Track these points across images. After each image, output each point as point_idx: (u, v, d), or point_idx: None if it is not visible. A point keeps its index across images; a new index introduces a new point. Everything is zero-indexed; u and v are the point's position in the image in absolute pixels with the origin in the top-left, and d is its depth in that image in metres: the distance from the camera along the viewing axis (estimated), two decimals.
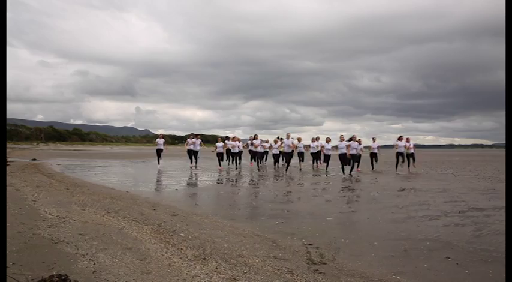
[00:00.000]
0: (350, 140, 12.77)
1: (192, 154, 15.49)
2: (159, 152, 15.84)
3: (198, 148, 15.35)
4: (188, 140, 16.03)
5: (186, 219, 4.75)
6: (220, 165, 15.06)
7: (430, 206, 6.12)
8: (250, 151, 16.18)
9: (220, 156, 15.55)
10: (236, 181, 10.43)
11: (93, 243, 3.28)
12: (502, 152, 36.49)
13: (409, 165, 13.60)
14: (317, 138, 15.84)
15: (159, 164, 15.43)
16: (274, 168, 14.78)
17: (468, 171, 14.52)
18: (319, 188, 8.82)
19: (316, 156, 15.89)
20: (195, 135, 16.18)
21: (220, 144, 15.88)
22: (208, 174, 12.35)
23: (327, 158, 14.16)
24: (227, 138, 17.02)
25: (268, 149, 16.30)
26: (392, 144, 15.96)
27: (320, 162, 15.73)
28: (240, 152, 15.95)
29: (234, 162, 15.38)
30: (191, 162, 15.59)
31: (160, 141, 15.92)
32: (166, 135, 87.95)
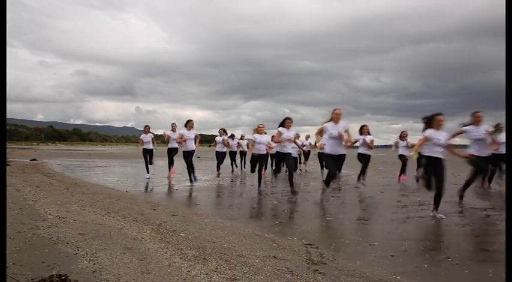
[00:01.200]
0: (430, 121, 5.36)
1: (174, 156, 10.18)
2: (146, 153, 10.74)
3: (192, 147, 8.67)
4: (169, 132, 10.26)
5: (186, 219, 4.76)
6: (218, 169, 11.01)
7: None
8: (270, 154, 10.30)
9: (220, 156, 11.42)
10: (236, 181, 10.42)
11: (93, 243, 3.29)
12: None
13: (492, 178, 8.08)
14: None
15: (147, 172, 10.67)
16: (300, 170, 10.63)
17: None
18: (319, 188, 8.81)
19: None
20: (187, 123, 8.77)
21: (221, 139, 11.51)
22: (208, 174, 12.34)
23: (366, 160, 8.61)
24: (232, 136, 13.05)
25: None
26: (392, 144, 11.27)
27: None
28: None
29: (259, 172, 7.99)
30: (170, 168, 10.37)
31: (147, 137, 10.70)
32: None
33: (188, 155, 8.68)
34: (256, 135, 8.19)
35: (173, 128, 10.20)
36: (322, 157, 6.27)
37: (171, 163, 10.41)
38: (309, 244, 3.75)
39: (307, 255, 3.36)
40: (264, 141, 8.16)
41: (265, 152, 8.28)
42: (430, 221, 5.00)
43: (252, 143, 8.38)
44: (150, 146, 10.77)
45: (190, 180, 8.60)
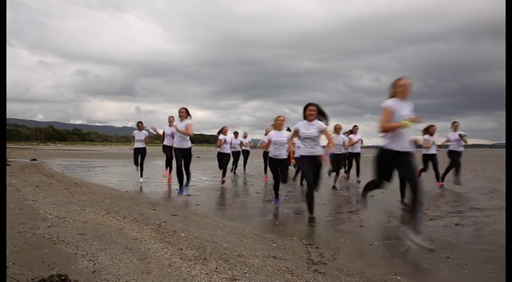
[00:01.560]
0: None
1: (174, 156, 7.12)
2: (138, 153, 9.41)
3: (187, 143, 6.76)
4: (165, 128, 9.04)
5: (186, 219, 4.76)
6: (224, 175, 9.31)
7: (430, 206, 6.12)
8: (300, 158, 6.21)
9: (223, 158, 9.39)
10: (237, 182, 10.42)
11: (93, 243, 3.29)
12: (502, 152, 36.48)
13: None
14: (355, 130, 9.59)
15: (141, 175, 9.35)
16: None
17: (468, 171, 14.52)
18: (319, 188, 8.80)
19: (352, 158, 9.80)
20: (184, 112, 6.79)
21: (228, 137, 9.54)
22: (207, 174, 12.33)
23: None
24: (235, 134, 12.04)
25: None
26: None
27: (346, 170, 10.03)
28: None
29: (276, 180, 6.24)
30: (169, 170, 9.22)
31: (141, 134, 9.40)
32: None
33: (181, 155, 6.67)
34: (273, 132, 6.06)
35: (170, 121, 8.87)
36: (381, 156, 3.87)
37: (169, 165, 9.11)
38: (309, 244, 3.75)
39: (307, 255, 3.36)
40: (283, 140, 5.92)
41: (285, 156, 6.07)
42: (430, 221, 5.00)
43: (264, 144, 6.61)
44: (143, 145, 9.44)
45: (181, 188, 6.86)
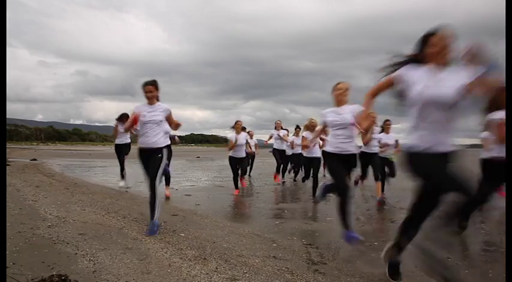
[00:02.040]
0: None
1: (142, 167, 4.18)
2: (121, 151, 7.80)
3: (159, 141, 4.00)
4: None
5: (186, 219, 4.76)
6: (237, 187, 7.32)
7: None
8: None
9: (237, 163, 7.26)
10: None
11: (93, 243, 3.29)
12: None
13: None
14: (386, 127, 6.74)
15: (122, 176, 7.81)
16: None
17: (468, 171, 14.52)
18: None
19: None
20: (154, 91, 4.03)
21: (242, 137, 7.16)
22: (208, 174, 12.33)
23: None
24: (243, 129, 8.07)
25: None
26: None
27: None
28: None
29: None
30: (167, 183, 6.81)
31: (122, 129, 7.33)
32: None
33: (149, 158, 4.08)
34: (330, 111, 3.72)
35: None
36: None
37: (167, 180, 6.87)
38: (309, 244, 3.76)
39: (307, 255, 3.36)
40: (347, 119, 3.55)
41: (355, 150, 3.80)
42: (429, 221, 5.00)
43: (309, 140, 5.17)
44: (127, 140, 7.83)
45: (152, 221, 3.85)
